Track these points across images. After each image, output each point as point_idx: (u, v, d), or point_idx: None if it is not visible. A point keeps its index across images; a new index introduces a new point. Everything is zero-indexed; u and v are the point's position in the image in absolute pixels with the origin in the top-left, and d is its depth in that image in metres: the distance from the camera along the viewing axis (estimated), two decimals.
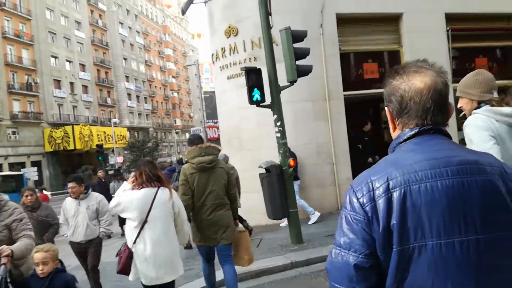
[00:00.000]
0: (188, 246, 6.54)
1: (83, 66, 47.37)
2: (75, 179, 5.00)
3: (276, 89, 6.40)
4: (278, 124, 6.42)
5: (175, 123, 72.63)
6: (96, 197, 5.05)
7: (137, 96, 59.23)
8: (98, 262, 5.11)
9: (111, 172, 16.34)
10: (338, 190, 8.67)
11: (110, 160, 39.16)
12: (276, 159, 6.56)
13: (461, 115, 2.56)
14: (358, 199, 1.05)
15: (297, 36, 6.20)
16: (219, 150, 4.20)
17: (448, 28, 9.52)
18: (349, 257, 1.03)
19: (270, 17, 6.37)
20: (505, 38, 10.28)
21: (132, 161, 38.63)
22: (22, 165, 36.53)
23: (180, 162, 8.27)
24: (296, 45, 6.14)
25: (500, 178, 1.04)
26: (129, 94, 56.86)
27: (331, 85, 8.69)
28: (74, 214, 4.88)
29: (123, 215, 3.56)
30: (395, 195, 1.01)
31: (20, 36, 38.07)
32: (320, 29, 8.63)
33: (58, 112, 42.31)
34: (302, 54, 6.24)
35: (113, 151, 41.44)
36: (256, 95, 6.24)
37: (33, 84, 39.02)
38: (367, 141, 8.83)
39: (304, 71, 6.25)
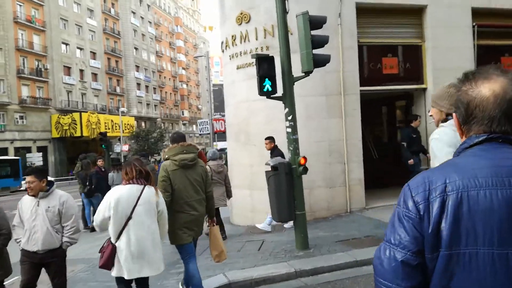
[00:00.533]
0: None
1: (93, 54, 47.38)
2: (35, 171, 3.84)
3: (289, 80, 5.85)
4: (290, 118, 5.87)
5: (183, 114, 72.69)
6: (60, 197, 3.87)
7: (146, 86, 59.21)
8: (65, 282, 4.02)
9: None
10: (348, 192, 8.12)
11: (116, 148, 39.11)
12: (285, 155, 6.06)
13: (429, 122, 2.34)
14: (412, 197, 1.05)
15: (315, 22, 5.63)
16: (198, 149, 4.35)
17: (474, 24, 8.96)
18: (397, 253, 1.03)
19: (286, 1, 5.84)
20: None
21: (136, 151, 38.53)
22: (28, 150, 36.61)
23: None
24: (313, 32, 5.60)
25: None
26: (138, 84, 56.86)
27: (348, 79, 8.11)
28: (31, 216, 3.77)
29: (107, 213, 3.42)
30: (451, 198, 1.00)
31: (32, 22, 38.05)
32: (338, 18, 8.05)
33: (66, 99, 42.40)
34: (320, 42, 5.66)
35: (119, 139, 41.38)
36: (267, 85, 5.71)
37: (43, 70, 39.00)
38: (415, 139, 7.87)
39: (321, 61, 5.70)
